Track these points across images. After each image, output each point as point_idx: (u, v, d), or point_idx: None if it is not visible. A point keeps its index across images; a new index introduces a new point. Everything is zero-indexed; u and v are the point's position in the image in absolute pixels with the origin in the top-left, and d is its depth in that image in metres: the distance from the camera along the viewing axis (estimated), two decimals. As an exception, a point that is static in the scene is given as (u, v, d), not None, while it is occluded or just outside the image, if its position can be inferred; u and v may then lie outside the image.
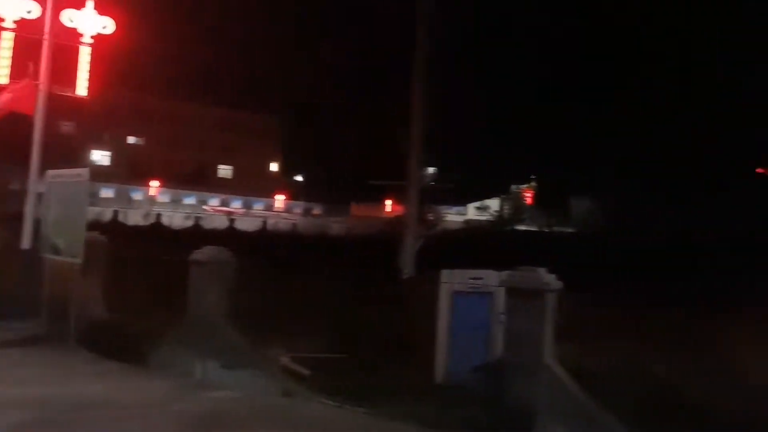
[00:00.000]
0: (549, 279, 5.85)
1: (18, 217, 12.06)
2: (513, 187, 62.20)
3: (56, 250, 9.67)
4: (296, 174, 77.35)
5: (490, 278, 8.03)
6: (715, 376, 6.62)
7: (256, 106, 62.40)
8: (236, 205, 63.33)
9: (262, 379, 7.58)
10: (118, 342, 8.61)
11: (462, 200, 64.45)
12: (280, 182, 70.75)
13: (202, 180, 63.02)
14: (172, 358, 8.10)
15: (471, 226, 48.06)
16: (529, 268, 5.92)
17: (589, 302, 7.13)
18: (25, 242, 10.50)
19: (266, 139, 68.79)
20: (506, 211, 59.17)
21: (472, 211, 63.14)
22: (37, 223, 10.44)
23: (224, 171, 69.75)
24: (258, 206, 64.58)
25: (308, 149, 67.79)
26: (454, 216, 58.76)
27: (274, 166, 73.71)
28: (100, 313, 9.57)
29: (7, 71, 10.51)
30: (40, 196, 10.81)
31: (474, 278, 8.20)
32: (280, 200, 66.12)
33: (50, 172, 10.18)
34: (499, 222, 54.03)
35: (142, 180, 56.72)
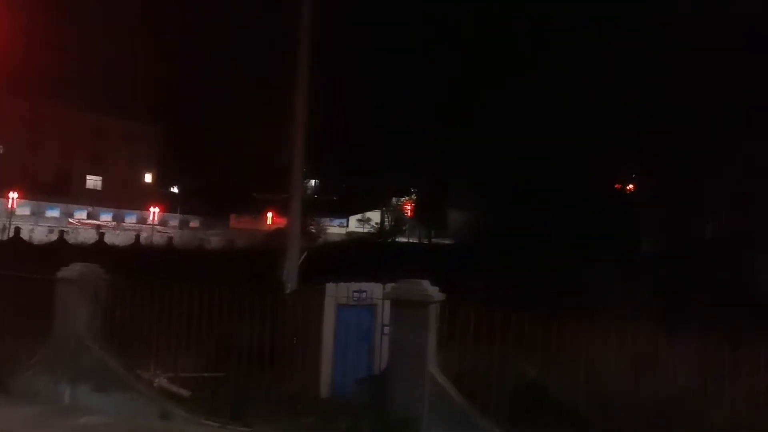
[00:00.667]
0: (431, 290, 6.06)
1: None
2: (394, 200, 63.53)
3: None
4: (172, 185, 74.40)
5: (374, 291, 8.19)
6: (575, 375, 7.20)
7: (129, 113, 59.47)
8: (106, 217, 59.75)
9: (137, 402, 7.24)
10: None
11: (344, 212, 64.97)
12: (155, 194, 67.64)
13: (68, 191, 58.90)
14: (36, 383, 7.54)
15: (353, 238, 48.44)
16: (412, 280, 6.11)
17: (465, 308, 7.46)
18: None
19: (139, 149, 65.70)
20: (387, 223, 60.28)
21: (353, 224, 63.75)
22: None
23: (93, 181, 65.64)
24: (130, 219, 61.33)
25: (185, 160, 65.51)
26: (336, 228, 59.07)
27: (148, 177, 70.41)
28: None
29: None
30: None
31: (358, 291, 8.32)
32: (154, 212, 63.12)
33: None
34: (381, 234, 54.90)
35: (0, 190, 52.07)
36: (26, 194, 53.67)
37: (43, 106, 56.69)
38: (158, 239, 44.67)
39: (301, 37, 12.75)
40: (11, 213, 48.78)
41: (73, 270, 7.81)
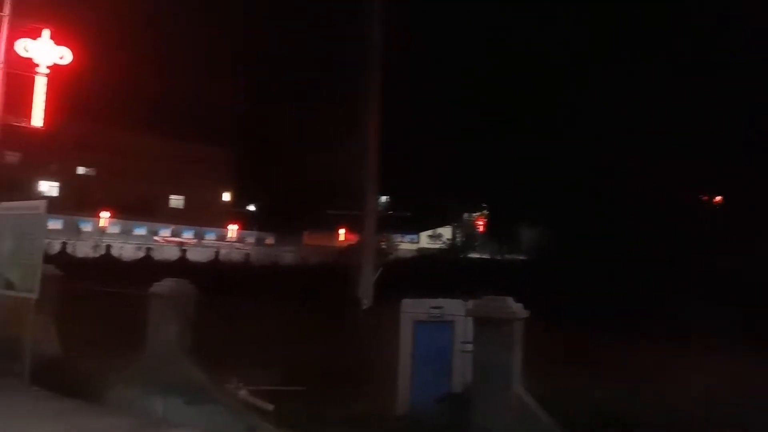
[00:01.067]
0: (516, 307, 6.03)
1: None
2: (465, 216, 63.11)
3: (9, 285, 9.36)
4: (248, 204, 76.85)
5: (451, 307, 8.18)
6: (647, 397, 6.97)
7: (209, 135, 62.02)
8: (188, 235, 62.32)
9: (224, 415, 7.46)
10: (74, 380, 8.36)
11: (415, 228, 65.05)
12: (233, 212, 70.12)
13: (153, 210, 61.88)
14: (131, 394, 7.90)
15: (424, 254, 48.39)
16: (496, 296, 6.10)
17: (536, 328, 7.40)
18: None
19: (218, 169, 68.25)
20: (459, 239, 59.90)
21: (424, 240, 63.73)
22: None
23: (176, 201, 68.68)
24: (210, 236, 63.71)
25: (260, 179, 67.55)
26: (407, 244, 59.23)
27: (226, 196, 73.05)
28: (54, 350, 9.29)
29: (-45, 100, 10.20)
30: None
31: (435, 307, 8.33)
32: (232, 230, 65.46)
33: (2, 204, 9.91)
34: (452, 250, 54.59)
35: (93, 211, 55.38)
36: (115, 214, 56.92)
37: (131, 132, 59.95)
38: (236, 256, 46.11)
39: (372, 55, 13.05)
40: (103, 232, 51.79)
41: (164, 285, 8.19)
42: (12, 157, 47.22)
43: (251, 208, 76.56)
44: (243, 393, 8.16)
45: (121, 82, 47.04)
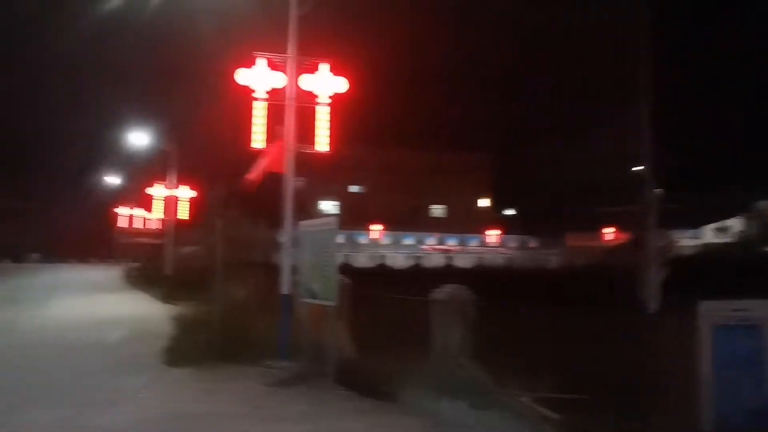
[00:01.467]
0: None
1: (264, 265, 13.45)
2: (759, 204, 54.98)
3: (313, 294, 10.59)
4: (507, 208, 77.17)
5: (762, 309, 7.13)
6: None
7: (465, 144, 63.89)
8: (451, 242, 64.69)
9: (510, 421, 7.40)
10: (370, 380, 9.04)
11: (694, 222, 58.65)
12: (492, 217, 71.04)
13: (417, 221, 65.61)
14: (419, 396, 8.27)
15: (710, 250, 43.30)
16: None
17: None
18: (284, 288, 11.59)
19: (475, 177, 69.81)
20: (753, 230, 52.37)
21: (708, 234, 57.10)
22: (294, 270, 11.49)
23: (437, 210, 71.87)
24: (472, 243, 65.31)
25: (520, 183, 67.39)
26: (686, 240, 53.58)
27: (483, 202, 74.33)
28: (351, 353, 10.20)
29: (263, 137, 11.96)
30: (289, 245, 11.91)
31: (738, 309, 7.33)
32: (494, 235, 66.27)
33: (303, 222, 11.30)
34: (745, 244, 47.94)
35: (364, 224, 60.75)
36: (384, 226, 61.72)
37: (392, 150, 64.47)
38: (500, 261, 46.51)
39: (643, 38, 12.09)
40: (376, 243, 56.44)
41: (445, 291, 8.50)
42: (301, 181, 54.04)
43: (510, 212, 76.78)
44: (525, 399, 8.02)
45: (385, 103, 50.90)
